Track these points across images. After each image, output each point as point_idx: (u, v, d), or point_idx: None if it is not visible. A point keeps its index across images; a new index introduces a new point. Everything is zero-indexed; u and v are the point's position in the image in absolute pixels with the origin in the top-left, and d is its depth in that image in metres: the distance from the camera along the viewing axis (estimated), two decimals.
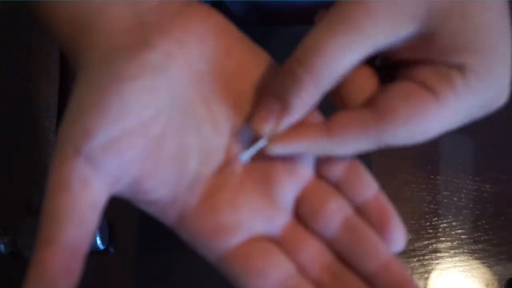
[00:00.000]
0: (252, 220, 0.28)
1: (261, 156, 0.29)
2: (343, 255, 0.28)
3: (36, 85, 0.53)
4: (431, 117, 0.26)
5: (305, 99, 0.27)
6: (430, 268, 0.47)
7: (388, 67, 0.29)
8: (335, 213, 0.28)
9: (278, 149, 0.27)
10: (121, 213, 0.41)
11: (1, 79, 0.55)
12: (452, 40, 0.25)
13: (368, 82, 0.28)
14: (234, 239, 0.28)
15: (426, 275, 0.48)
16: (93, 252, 0.44)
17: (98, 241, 0.44)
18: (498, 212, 0.48)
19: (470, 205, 0.48)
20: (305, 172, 0.29)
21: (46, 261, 0.24)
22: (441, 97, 0.25)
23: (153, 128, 0.26)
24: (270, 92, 0.28)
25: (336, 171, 0.29)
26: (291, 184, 0.29)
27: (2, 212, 0.48)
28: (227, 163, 0.29)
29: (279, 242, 0.29)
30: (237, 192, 0.29)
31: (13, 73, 0.55)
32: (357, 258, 0.27)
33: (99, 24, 0.28)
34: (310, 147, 0.27)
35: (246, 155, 0.28)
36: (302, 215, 0.29)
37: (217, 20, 0.30)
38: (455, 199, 0.48)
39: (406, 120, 0.26)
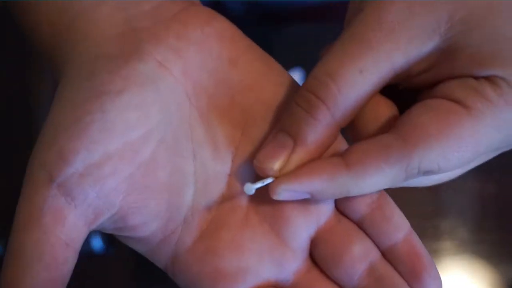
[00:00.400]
0: (259, 264, 0.24)
1: None
2: None
3: (36, 85, 0.53)
4: (466, 132, 0.22)
5: (321, 132, 0.23)
6: None
7: (411, 90, 0.25)
8: (358, 258, 0.24)
9: (286, 190, 0.23)
10: None
11: (1, 79, 0.55)
12: (477, 51, 0.22)
13: (384, 108, 0.25)
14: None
15: None
16: (94, 253, 0.44)
17: (99, 242, 0.44)
18: (501, 212, 0.48)
19: (473, 205, 0.48)
20: (322, 207, 0.25)
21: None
22: (473, 110, 0.22)
23: (142, 152, 0.23)
24: (279, 128, 0.24)
25: (360, 206, 0.24)
26: (306, 222, 0.25)
27: (2, 212, 0.48)
28: (229, 194, 0.25)
29: None
30: (241, 230, 0.25)
31: (13, 73, 0.55)
32: None
33: (84, 29, 0.25)
34: (325, 185, 0.23)
35: (252, 187, 0.24)
36: (319, 258, 0.25)
37: (221, 25, 0.26)
38: (457, 199, 0.48)
39: (438, 138, 0.22)
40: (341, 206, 0.25)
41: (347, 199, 0.24)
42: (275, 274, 0.24)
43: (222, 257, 0.24)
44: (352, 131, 0.25)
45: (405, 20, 0.22)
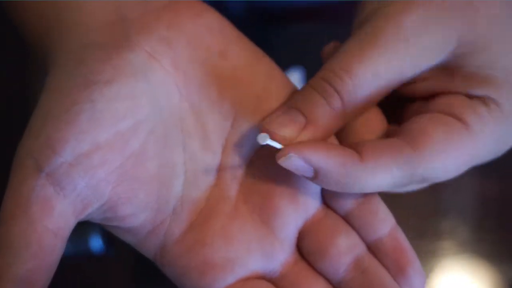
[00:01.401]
0: (248, 255, 0.24)
1: (260, 178, 0.25)
2: None
3: (36, 85, 0.53)
4: (465, 146, 0.24)
5: (332, 119, 0.24)
6: (432, 268, 0.46)
7: (397, 100, 0.27)
8: (344, 251, 0.24)
9: (295, 157, 0.23)
10: None
11: (1, 79, 0.55)
12: (475, 73, 0.24)
13: (379, 123, 0.26)
14: (226, 279, 0.24)
15: (427, 275, 0.47)
16: (93, 253, 0.44)
17: (98, 242, 0.44)
18: (501, 212, 0.48)
19: (473, 205, 0.48)
20: (310, 200, 0.25)
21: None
22: (470, 126, 0.24)
23: (131, 143, 0.23)
24: (290, 106, 0.24)
25: (347, 200, 0.25)
26: (294, 214, 0.25)
27: None
28: (219, 185, 0.25)
29: (277, 282, 0.25)
30: (230, 221, 0.25)
31: (13, 73, 0.55)
32: None
33: (73, 17, 0.24)
34: (335, 168, 0.23)
35: (266, 137, 0.23)
36: (306, 251, 0.25)
37: (211, 17, 0.26)
38: (457, 198, 0.48)
39: (445, 148, 0.23)
40: (328, 200, 0.25)
41: (334, 195, 0.25)
42: (263, 266, 0.25)
43: (210, 248, 0.24)
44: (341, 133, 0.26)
45: (421, 33, 0.24)
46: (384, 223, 0.25)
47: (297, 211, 0.25)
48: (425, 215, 0.47)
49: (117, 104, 0.22)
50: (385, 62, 0.24)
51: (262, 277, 0.25)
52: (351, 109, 0.24)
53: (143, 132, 0.23)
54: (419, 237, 0.48)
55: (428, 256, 0.46)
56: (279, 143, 0.23)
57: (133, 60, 0.23)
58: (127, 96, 0.23)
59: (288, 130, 0.23)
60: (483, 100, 0.24)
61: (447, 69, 0.25)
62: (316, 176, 0.23)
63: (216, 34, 0.26)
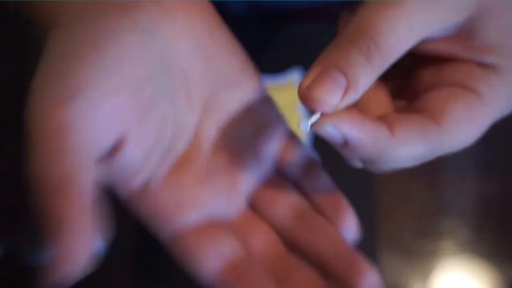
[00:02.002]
0: (212, 199, 0.28)
1: (230, 142, 0.29)
2: (295, 243, 0.28)
3: None
4: (482, 117, 0.26)
5: (371, 78, 0.24)
6: (432, 268, 0.46)
7: (400, 75, 0.28)
8: (289, 204, 0.29)
9: (333, 128, 0.24)
10: (120, 213, 0.41)
11: (1, 79, 0.55)
12: (491, 40, 0.25)
13: (387, 98, 0.27)
14: (191, 216, 0.28)
15: (427, 275, 0.48)
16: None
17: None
18: (502, 212, 0.48)
19: (473, 205, 0.48)
20: (267, 165, 0.30)
21: (62, 208, 0.22)
22: (484, 97, 0.25)
23: (140, 92, 0.25)
24: (330, 64, 0.24)
25: (295, 168, 0.30)
26: (253, 173, 0.30)
27: (1, 213, 0.48)
28: (197, 140, 0.29)
29: (232, 227, 0.29)
30: (203, 171, 0.29)
31: (13, 73, 0.55)
32: (309, 244, 0.28)
33: None
34: (368, 141, 0.24)
35: (308, 124, 0.24)
36: (258, 204, 0.30)
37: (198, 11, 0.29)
38: (457, 198, 0.48)
39: (466, 123, 0.25)
40: (280, 169, 0.30)
41: (285, 163, 0.30)
42: (223, 211, 0.29)
43: (184, 190, 0.28)
44: None
45: None
46: (326, 186, 0.29)
47: (255, 172, 0.29)
48: (425, 215, 0.47)
49: (136, 51, 0.24)
50: (418, 16, 0.24)
51: (220, 221, 0.28)
52: (388, 63, 0.24)
53: (153, 82, 0.25)
54: (419, 237, 0.48)
55: (428, 256, 0.46)
56: (321, 111, 0.24)
57: (142, 19, 0.25)
58: (143, 45, 0.25)
59: (333, 98, 0.23)
60: (494, 68, 0.25)
61: (461, 33, 0.25)
62: (346, 145, 0.24)
63: (205, 14, 0.29)
